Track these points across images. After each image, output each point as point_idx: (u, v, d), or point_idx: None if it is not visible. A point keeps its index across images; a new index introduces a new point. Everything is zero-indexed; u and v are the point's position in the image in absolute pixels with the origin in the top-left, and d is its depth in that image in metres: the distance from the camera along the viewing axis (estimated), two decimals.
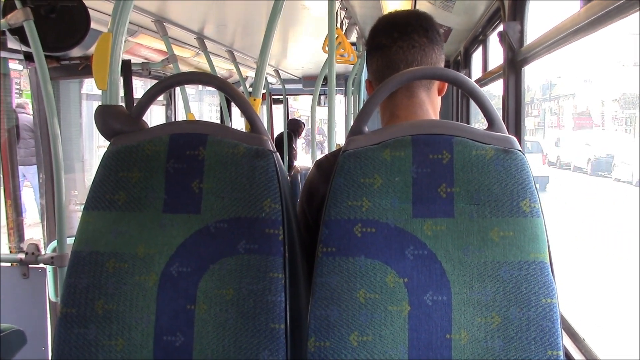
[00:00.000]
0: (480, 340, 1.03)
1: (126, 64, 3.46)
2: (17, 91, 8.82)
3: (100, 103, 1.29)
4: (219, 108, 7.61)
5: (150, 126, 1.22)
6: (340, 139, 6.65)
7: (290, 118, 8.53)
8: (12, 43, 2.66)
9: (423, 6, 3.11)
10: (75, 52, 3.21)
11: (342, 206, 1.08)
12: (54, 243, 2.62)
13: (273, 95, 8.13)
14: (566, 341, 1.85)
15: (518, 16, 2.24)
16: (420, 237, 1.06)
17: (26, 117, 7.62)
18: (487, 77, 3.05)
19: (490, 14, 2.86)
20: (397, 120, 1.35)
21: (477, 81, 3.25)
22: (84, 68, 3.32)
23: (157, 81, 1.23)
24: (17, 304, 2.72)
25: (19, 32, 2.43)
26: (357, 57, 4.14)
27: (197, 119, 4.41)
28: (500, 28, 2.31)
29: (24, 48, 2.53)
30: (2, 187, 3.25)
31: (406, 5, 3.31)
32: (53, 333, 2.76)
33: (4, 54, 2.94)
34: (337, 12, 3.26)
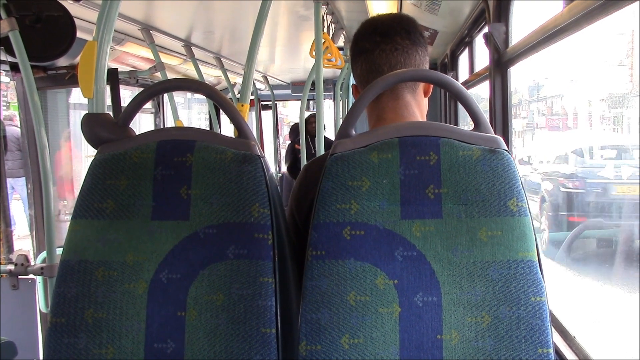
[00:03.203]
0: (471, 340, 1.04)
1: (113, 73, 3.45)
2: (5, 103, 8.78)
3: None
4: (207, 115, 7.61)
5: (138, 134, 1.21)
6: None
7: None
8: None
9: (408, 9, 3.13)
10: (62, 61, 3.20)
11: (331, 209, 1.08)
12: (44, 254, 2.61)
13: (262, 101, 8.14)
14: (556, 339, 1.86)
15: (503, 17, 2.26)
16: (409, 238, 1.06)
17: (14, 129, 7.59)
18: (474, 79, 3.06)
19: (476, 16, 2.87)
20: (383, 123, 1.35)
21: (464, 83, 3.27)
22: (70, 77, 3.30)
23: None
24: (7, 316, 2.70)
25: (4, 43, 2.42)
26: (344, 62, 4.15)
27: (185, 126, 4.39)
28: (486, 30, 2.32)
29: (10, 58, 2.52)
30: None
31: (392, 9, 3.32)
32: (44, 343, 2.75)
33: None
34: (323, 17, 3.27)
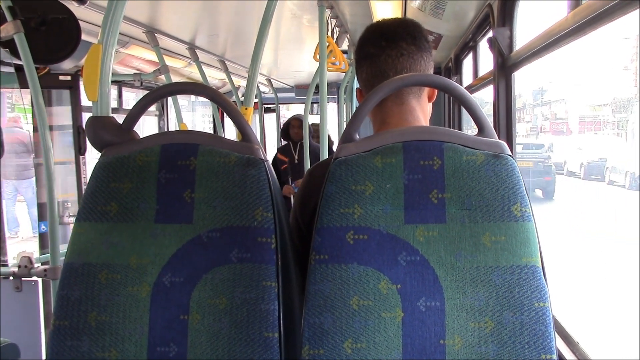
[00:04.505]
0: (474, 345, 1.03)
1: None
2: (10, 105, 8.82)
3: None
4: (211, 118, 7.61)
5: (142, 137, 1.22)
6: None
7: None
8: (2, 55, 2.66)
9: (413, 13, 3.13)
10: (67, 63, 3.20)
11: (334, 213, 1.08)
12: (46, 255, 2.60)
13: (265, 104, 8.14)
14: (560, 344, 1.85)
15: (507, 22, 2.26)
16: (412, 243, 1.06)
17: (19, 131, 7.64)
18: (478, 83, 3.06)
19: (480, 20, 2.87)
20: (388, 127, 1.35)
21: (468, 87, 3.26)
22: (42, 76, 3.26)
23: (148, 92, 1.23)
24: (11, 318, 2.70)
25: (9, 45, 2.43)
26: (348, 65, 4.15)
27: (189, 129, 4.41)
28: (490, 34, 2.32)
29: (15, 60, 2.52)
30: None
31: (396, 12, 3.32)
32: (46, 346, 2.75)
33: None
34: (327, 20, 3.27)
